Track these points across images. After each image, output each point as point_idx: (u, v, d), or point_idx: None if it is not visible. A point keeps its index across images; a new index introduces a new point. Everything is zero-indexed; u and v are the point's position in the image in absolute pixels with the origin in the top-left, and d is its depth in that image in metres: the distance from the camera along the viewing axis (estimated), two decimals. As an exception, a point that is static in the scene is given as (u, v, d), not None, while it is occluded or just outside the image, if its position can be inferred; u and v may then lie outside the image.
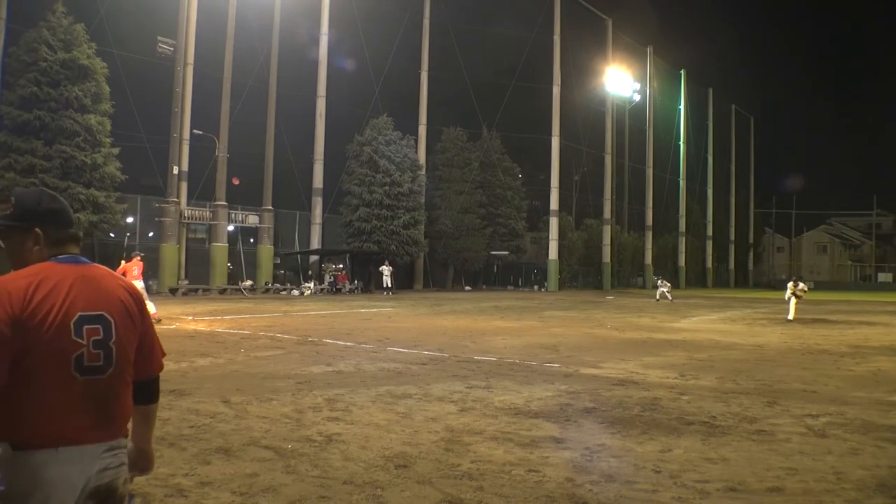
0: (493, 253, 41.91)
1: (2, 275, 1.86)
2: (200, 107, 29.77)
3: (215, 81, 30.35)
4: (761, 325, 17.28)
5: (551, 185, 44.57)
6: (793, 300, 19.19)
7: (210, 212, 30.49)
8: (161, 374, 2.16)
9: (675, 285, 55.83)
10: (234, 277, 31.92)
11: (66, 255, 1.95)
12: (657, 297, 31.52)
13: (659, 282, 33.04)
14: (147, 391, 2.09)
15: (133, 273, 14.19)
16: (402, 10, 38.73)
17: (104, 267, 2.04)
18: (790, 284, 19.79)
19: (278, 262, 35.12)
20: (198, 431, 5.35)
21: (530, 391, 7.36)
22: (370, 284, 34.98)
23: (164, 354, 2.17)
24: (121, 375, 1.92)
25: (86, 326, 1.84)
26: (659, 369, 9.16)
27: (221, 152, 30.46)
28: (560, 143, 44.88)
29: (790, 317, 18.89)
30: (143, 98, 28.09)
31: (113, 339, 1.89)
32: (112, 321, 1.90)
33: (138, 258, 15.01)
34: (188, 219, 29.63)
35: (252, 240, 33.45)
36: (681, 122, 61.16)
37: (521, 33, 43.35)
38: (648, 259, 54.76)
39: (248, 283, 31.18)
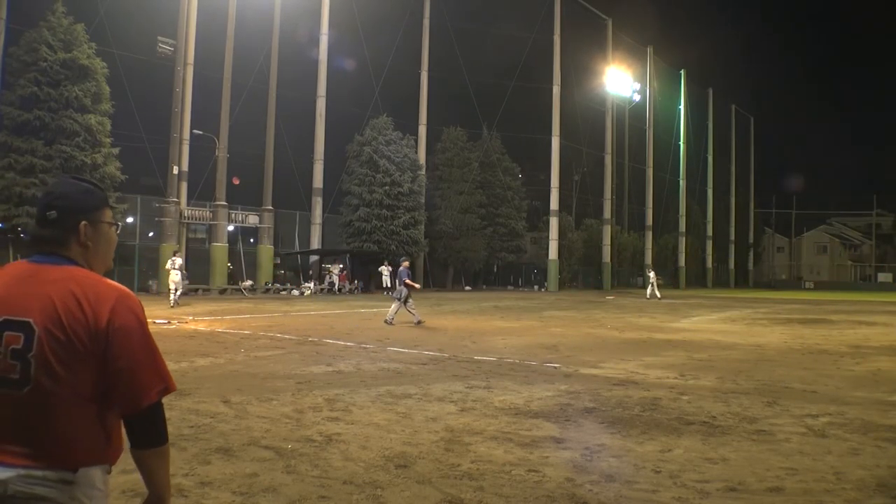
0: None
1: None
2: (200, 107, 29.77)
3: (215, 81, 30.35)
4: (761, 325, 17.27)
5: (551, 185, 44.57)
6: None
7: (210, 212, 30.48)
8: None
9: (675, 285, 55.97)
10: (234, 277, 31.93)
11: (38, 255, 1.75)
12: (648, 294, 30.56)
13: (651, 275, 31.43)
14: (135, 431, 1.70)
15: None
16: (402, 10, 38.76)
17: (75, 269, 1.73)
18: None
19: (278, 262, 35.12)
20: (198, 431, 5.35)
21: (530, 391, 7.36)
22: (370, 284, 34.98)
23: (164, 385, 1.72)
24: (46, 396, 1.61)
25: (7, 332, 1.63)
26: (659, 369, 9.16)
27: (221, 152, 30.46)
28: (560, 143, 44.88)
29: None
30: (143, 98, 28.11)
31: (33, 352, 1.61)
32: (36, 331, 1.62)
33: None
34: (188, 219, 29.62)
35: (252, 240, 33.45)
36: (681, 122, 61.13)
37: (521, 33, 43.38)
38: (648, 259, 54.69)
39: (249, 283, 31.19)
